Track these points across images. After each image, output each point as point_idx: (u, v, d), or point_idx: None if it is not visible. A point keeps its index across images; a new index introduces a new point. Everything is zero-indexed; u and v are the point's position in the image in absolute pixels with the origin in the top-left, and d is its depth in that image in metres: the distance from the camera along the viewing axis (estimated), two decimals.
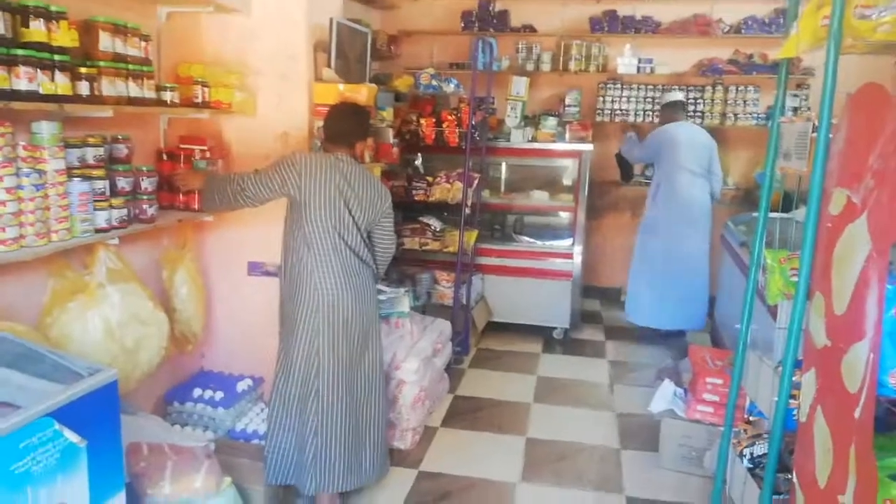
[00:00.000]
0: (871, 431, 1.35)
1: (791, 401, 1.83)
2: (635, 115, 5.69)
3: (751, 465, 2.10)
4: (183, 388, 3.15)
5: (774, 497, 1.94)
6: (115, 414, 1.81)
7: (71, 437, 1.62)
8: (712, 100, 5.58)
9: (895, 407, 1.33)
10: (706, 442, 3.04)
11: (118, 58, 2.39)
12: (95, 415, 1.73)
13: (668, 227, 4.64)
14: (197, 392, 3.09)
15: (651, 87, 5.66)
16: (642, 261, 4.81)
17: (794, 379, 1.81)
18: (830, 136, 1.69)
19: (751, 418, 2.20)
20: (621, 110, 5.70)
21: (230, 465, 2.61)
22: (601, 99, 5.73)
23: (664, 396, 3.28)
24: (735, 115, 5.54)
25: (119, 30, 2.40)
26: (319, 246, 2.63)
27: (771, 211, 2.20)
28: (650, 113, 5.65)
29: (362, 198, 2.71)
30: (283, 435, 2.70)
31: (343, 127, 2.74)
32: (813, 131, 1.76)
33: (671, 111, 4.85)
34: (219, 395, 3.08)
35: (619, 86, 5.69)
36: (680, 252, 4.61)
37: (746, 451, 2.15)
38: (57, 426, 1.58)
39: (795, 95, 5.43)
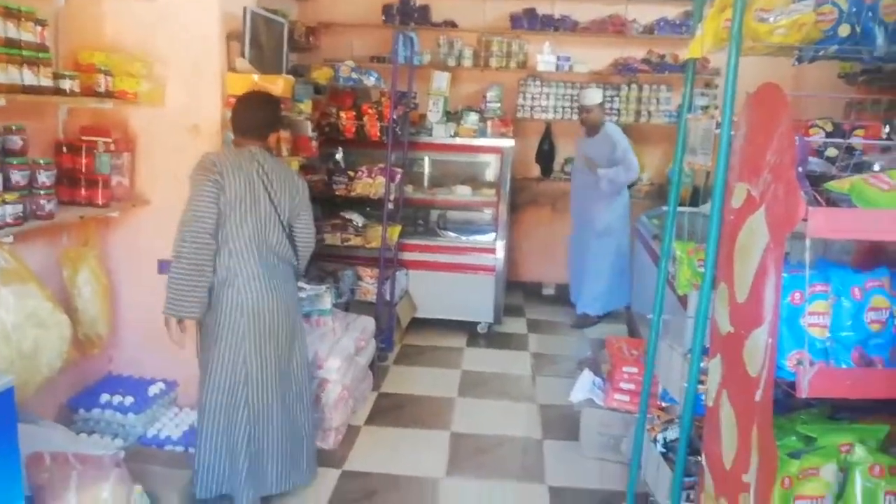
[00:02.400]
0: (771, 412, 1.43)
1: (699, 386, 1.91)
2: (554, 111, 5.81)
3: (664, 450, 2.19)
4: (89, 393, 2.99)
5: (686, 479, 2.03)
6: (11, 424, 1.70)
7: None
8: (627, 98, 5.76)
9: (793, 389, 1.41)
10: (624, 429, 3.14)
11: (10, 43, 2.24)
12: None
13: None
14: (104, 397, 2.94)
15: (570, 84, 5.78)
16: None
17: (702, 365, 1.89)
18: (732, 133, 1.77)
19: (663, 404, 2.29)
20: (541, 107, 5.80)
21: (141, 473, 2.48)
22: (521, 95, 5.81)
23: (583, 386, 3.37)
24: (649, 112, 5.75)
25: (11, 13, 2.24)
26: (242, 248, 2.54)
27: (680, 205, 2.29)
28: (569, 110, 5.77)
29: (281, 190, 2.65)
30: (214, 448, 2.59)
31: (254, 118, 2.65)
32: (717, 128, 1.84)
33: (602, 110, 5.10)
34: (128, 399, 2.94)
35: (538, 83, 5.79)
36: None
37: (660, 437, 2.23)
38: None
39: (704, 94, 5.68)
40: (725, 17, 1.87)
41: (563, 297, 5.75)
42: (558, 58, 5.75)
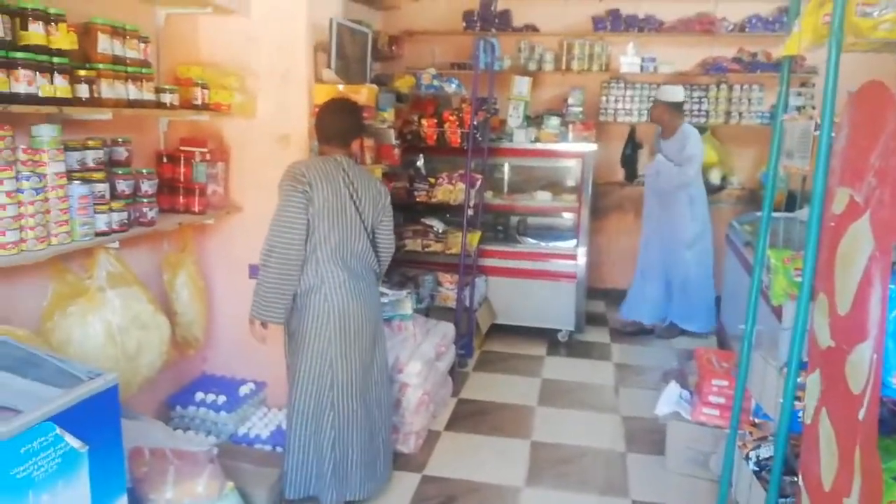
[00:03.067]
0: (876, 432, 1.33)
1: (796, 402, 1.81)
2: (639, 114, 5.66)
3: (757, 468, 2.08)
4: (185, 392, 3.15)
5: (780, 500, 1.92)
6: (115, 418, 1.80)
7: (72, 441, 1.61)
8: (716, 98, 5.55)
9: None
10: (712, 445, 3.01)
11: (117, 60, 2.39)
12: (96, 419, 1.72)
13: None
14: (199, 396, 3.09)
15: (655, 85, 5.62)
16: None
17: (799, 380, 1.79)
18: (833, 134, 1.67)
19: (756, 420, 2.18)
20: (625, 109, 5.67)
21: (232, 469, 2.59)
22: (604, 98, 5.70)
23: (670, 399, 3.25)
24: (739, 113, 5.51)
25: (118, 32, 2.40)
26: (329, 256, 2.61)
27: (775, 210, 2.18)
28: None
29: (365, 198, 2.71)
30: (302, 450, 2.67)
31: (338, 125, 2.71)
32: (816, 130, 1.74)
33: (679, 111, 4.84)
34: (221, 399, 3.07)
35: (622, 85, 5.66)
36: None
37: (752, 454, 2.12)
38: (58, 431, 1.57)
39: (799, 94, 5.39)
40: (825, 13, 1.77)
41: None
42: (643, 59, 5.61)
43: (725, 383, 2.99)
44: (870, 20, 1.68)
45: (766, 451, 2.05)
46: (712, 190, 5.53)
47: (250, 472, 2.68)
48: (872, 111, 1.48)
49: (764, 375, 1.97)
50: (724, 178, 5.55)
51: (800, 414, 1.77)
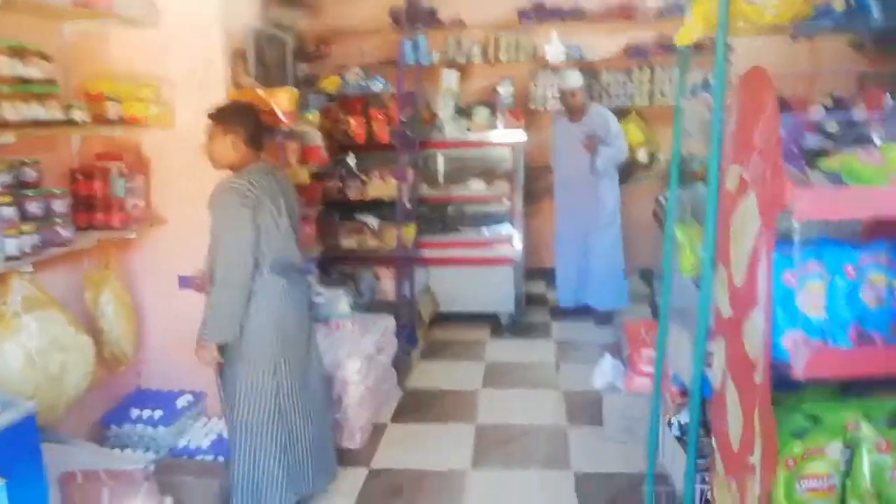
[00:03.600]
0: (769, 394, 1.42)
1: (707, 369, 1.90)
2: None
3: (679, 434, 2.18)
4: (119, 409, 3.09)
5: (701, 461, 2.02)
6: (35, 447, 1.77)
7: None
8: (640, 81, 5.71)
9: (790, 370, 1.40)
10: (645, 413, 3.13)
11: (18, 80, 2.31)
12: (13, 451, 1.68)
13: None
14: (135, 412, 3.03)
15: (581, 72, 5.73)
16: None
17: (709, 349, 1.89)
18: (724, 116, 1.76)
19: (673, 388, 2.28)
20: (554, 97, 5.77)
21: (173, 484, 2.56)
22: (533, 86, 5.79)
23: (604, 371, 3.37)
24: (661, 93, 5.68)
25: (17, 51, 2.32)
26: (268, 266, 2.57)
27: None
28: None
29: (292, 201, 2.70)
30: (252, 463, 2.62)
31: (261, 127, 2.66)
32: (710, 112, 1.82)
33: (585, 92, 4.92)
34: (157, 413, 3.02)
35: (549, 73, 5.76)
36: None
37: (674, 420, 2.23)
38: None
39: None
40: (713, 1, 1.86)
41: None
42: (568, 47, 5.71)
43: (654, 353, 3.11)
44: (756, 6, 1.77)
45: (686, 417, 2.15)
46: (641, 167, 5.71)
47: (191, 484, 2.65)
48: (754, 94, 1.57)
49: (679, 344, 2.07)
50: (651, 156, 5.72)
51: (711, 379, 1.86)
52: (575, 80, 4.77)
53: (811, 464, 1.45)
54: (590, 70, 5.71)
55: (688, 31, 1.96)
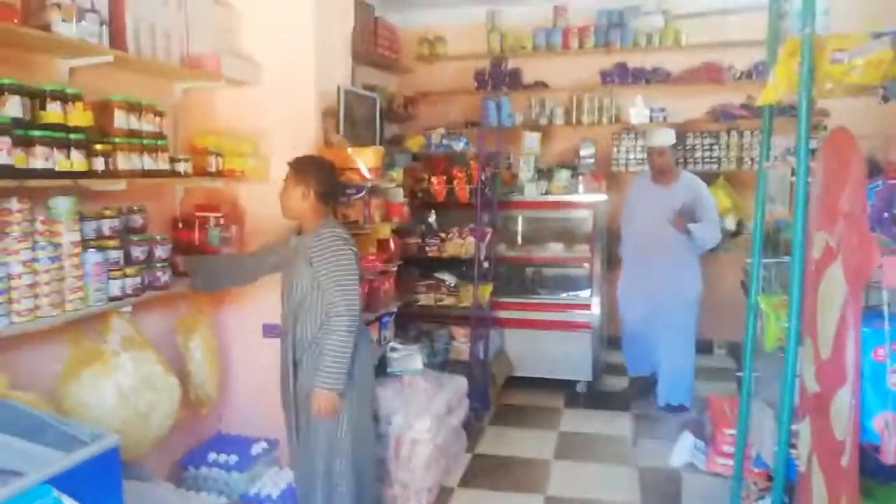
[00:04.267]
0: (857, 480, 1.31)
1: (793, 451, 1.78)
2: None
3: None
4: (199, 451, 3.19)
5: None
6: (117, 480, 1.85)
7: (70, 503, 1.66)
8: (727, 145, 5.58)
9: (879, 454, 1.29)
10: (727, 496, 2.93)
11: (132, 133, 2.53)
12: (96, 481, 1.76)
13: None
14: (212, 456, 3.13)
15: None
16: None
17: (794, 428, 1.77)
18: (810, 180, 1.70)
19: (755, 470, 2.14)
20: (636, 159, 5.73)
21: None
22: (615, 149, 5.78)
23: (684, 449, 3.18)
24: (751, 158, 5.53)
25: (133, 107, 2.55)
26: (359, 318, 2.66)
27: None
28: None
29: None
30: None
31: (335, 184, 2.78)
32: (793, 176, 1.77)
33: (674, 154, 4.58)
34: (233, 458, 3.11)
35: (632, 136, 5.74)
36: None
37: None
38: (55, 493, 1.62)
39: (814, 137, 5.39)
40: (796, 62, 1.83)
41: None
42: (651, 109, 5.70)
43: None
44: (841, 66, 1.73)
45: (769, 502, 2.00)
46: (728, 236, 5.52)
47: None
48: (840, 157, 1.52)
49: (762, 423, 1.95)
50: (739, 224, 5.53)
51: (796, 462, 1.74)
52: (665, 137, 4.42)
53: None
54: (675, 133, 5.66)
55: (770, 91, 1.93)
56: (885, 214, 1.54)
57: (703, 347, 5.84)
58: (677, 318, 4.38)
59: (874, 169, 1.93)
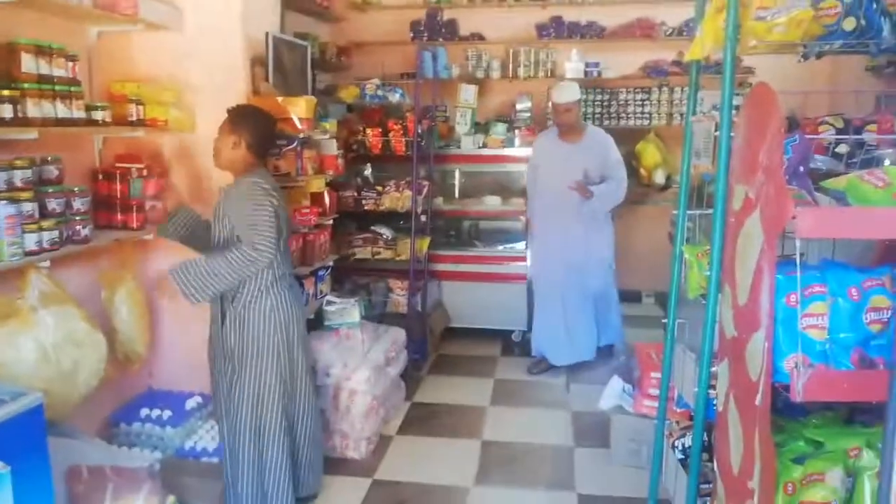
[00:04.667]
0: (769, 418, 1.41)
1: (711, 391, 1.88)
2: (585, 117, 5.77)
3: (682, 456, 2.16)
4: (129, 408, 3.13)
5: (704, 486, 2.00)
6: (40, 438, 1.80)
7: None
8: (658, 101, 5.71)
9: (789, 393, 1.39)
10: (653, 436, 3.10)
11: (43, 79, 2.37)
12: (20, 439, 1.71)
13: None
14: (144, 412, 3.07)
15: (600, 90, 5.76)
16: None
17: (713, 370, 1.87)
18: (732, 134, 1.76)
19: (678, 410, 2.26)
20: None
21: (178, 484, 2.59)
22: (550, 104, 5.80)
23: (613, 393, 3.34)
24: (681, 114, 5.67)
25: (43, 51, 2.38)
26: (282, 269, 2.65)
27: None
28: (599, 116, 5.75)
29: (286, 210, 2.76)
30: (255, 468, 2.64)
31: (268, 137, 2.72)
32: (716, 130, 1.83)
33: (580, 109, 4.37)
34: (166, 413, 3.06)
35: None
36: None
37: (678, 443, 2.20)
38: None
39: (738, 94, 5.56)
40: (723, 18, 1.86)
41: None
42: (587, 64, 5.74)
43: None
44: (764, 23, 1.76)
45: (690, 440, 2.12)
46: (657, 189, 5.69)
47: (195, 485, 2.68)
48: (761, 112, 1.57)
49: (684, 366, 2.05)
50: (668, 178, 5.70)
51: (714, 402, 1.85)
52: (571, 92, 4.14)
53: (811, 490, 1.43)
54: (608, 89, 5.73)
55: (697, 47, 1.97)
56: (801, 168, 1.61)
57: (632, 297, 6.09)
58: (595, 280, 4.32)
59: (793, 124, 2.01)
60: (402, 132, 4.41)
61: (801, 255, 1.43)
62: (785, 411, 1.71)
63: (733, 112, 1.80)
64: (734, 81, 1.75)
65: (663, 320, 2.28)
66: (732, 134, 1.76)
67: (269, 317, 2.61)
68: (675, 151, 5.82)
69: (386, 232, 4.51)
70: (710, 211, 2.37)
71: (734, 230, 1.69)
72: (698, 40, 1.96)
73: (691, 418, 2.41)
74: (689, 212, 2.22)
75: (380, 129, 4.50)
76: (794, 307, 1.43)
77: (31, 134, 2.29)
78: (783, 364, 1.44)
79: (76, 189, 2.57)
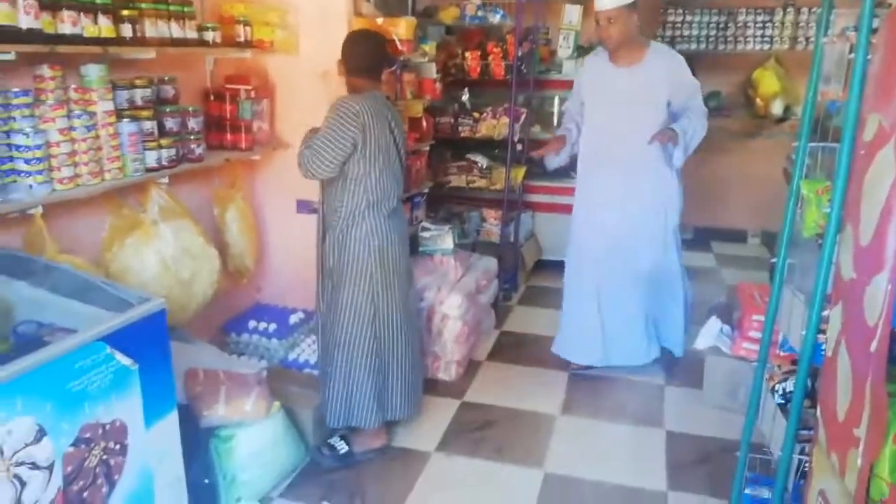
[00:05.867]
0: (885, 365, 1.32)
1: (820, 336, 1.79)
2: (698, 42, 5.40)
3: (782, 401, 2.08)
4: (239, 319, 3.35)
5: (803, 432, 1.93)
6: (164, 339, 1.96)
7: (122, 359, 1.77)
8: (782, 23, 5.24)
9: None
10: (750, 380, 3.00)
11: (159, 0, 2.46)
12: (146, 340, 1.87)
13: None
14: (252, 324, 3.28)
15: (716, 11, 5.34)
16: None
17: (825, 314, 1.77)
18: (869, 57, 1.59)
19: (781, 353, 2.16)
20: (682, 36, 5.43)
21: (282, 391, 2.77)
22: (661, 26, 5.46)
23: (710, 333, 3.23)
24: (807, 38, 5.19)
25: None
26: (371, 194, 2.63)
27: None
28: (714, 40, 5.36)
29: (400, 135, 2.74)
30: (344, 382, 2.74)
31: (372, 55, 2.67)
32: (851, 52, 1.66)
33: (634, 19, 3.08)
34: (272, 326, 3.25)
35: (680, 11, 5.40)
36: None
37: (779, 387, 2.12)
38: (108, 350, 1.73)
39: (876, 16, 5.01)
40: None
41: (699, 240, 5.50)
42: None
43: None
44: None
45: (791, 385, 2.04)
46: (774, 122, 5.31)
47: (297, 393, 2.87)
48: None
49: (791, 309, 1.95)
50: (787, 109, 5.29)
51: (823, 347, 1.75)
52: None
53: None
54: (726, 8, 5.31)
55: None
56: None
57: (737, 236, 5.82)
58: (652, 258, 3.32)
59: None
60: (501, 55, 4.29)
61: None
62: None
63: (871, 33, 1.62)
64: None
65: (772, 260, 2.15)
66: (869, 57, 1.59)
67: (363, 241, 2.66)
68: (796, 80, 5.38)
69: (481, 160, 4.48)
70: (835, 144, 2.19)
71: (863, 163, 1.55)
72: None
73: (794, 363, 2.32)
74: (811, 144, 2.05)
75: (479, 52, 4.39)
76: None
77: (150, 53, 2.40)
78: None
79: (191, 109, 2.69)
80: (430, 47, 3.55)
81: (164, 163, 2.54)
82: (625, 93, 3.14)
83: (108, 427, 1.74)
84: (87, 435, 1.69)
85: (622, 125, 3.17)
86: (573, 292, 3.50)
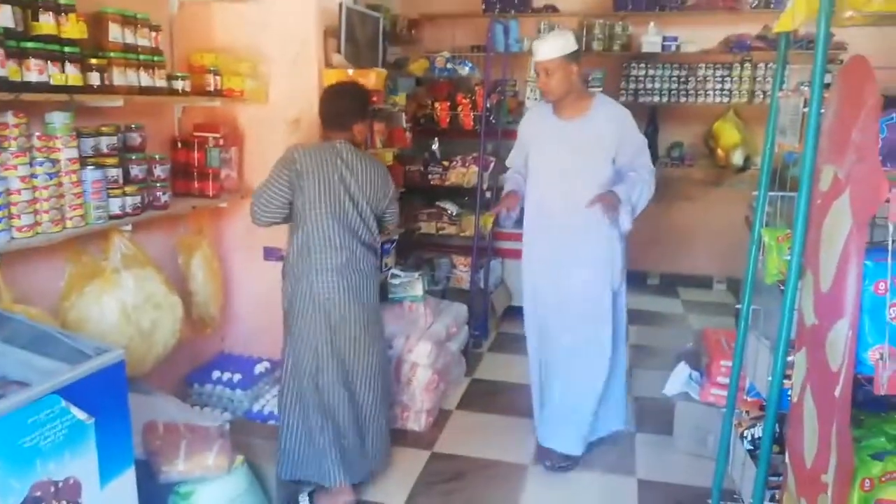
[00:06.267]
0: (849, 410, 1.34)
1: (786, 381, 1.80)
2: (660, 94, 5.59)
3: (751, 447, 2.09)
4: (203, 369, 3.26)
5: (773, 478, 1.93)
6: (122, 392, 1.88)
7: (77, 413, 1.70)
8: (740, 77, 5.45)
9: (870, 385, 1.31)
10: (719, 425, 3.01)
11: (128, 48, 2.47)
12: (103, 393, 1.80)
13: None
14: (216, 374, 3.20)
15: (677, 65, 5.55)
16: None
17: (789, 359, 1.79)
18: (822, 111, 1.66)
19: (748, 399, 2.18)
20: (645, 89, 5.61)
21: (245, 444, 2.68)
22: (625, 79, 5.64)
23: (679, 379, 3.26)
24: (764, 92, 5.40)
25: (128, 20, 2.47)
26: (320, 246, 2.59)
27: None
28: (676, 92, 5.55)
29: (365, 184, 2.65)
30: (291, 431, 2.69)
31: (337, 109, 2.70)
32: (805, 106, 1.72)
33: (579, 68, 2.96)
34: (237, 377, 3.18)
35: (643, 65, 5.60)
36: None
37: (748, 433, 2.13)
38: (63, 403, 1.66)
39: (828, 71, 5.25)
40: None
41: (666, 286, 5.56)
42: (664, 38, 5.54)
43: None
44: None
45: (760, 431, 2.05)
46: (735, 171, 5.47)
47: (261, 446, 2.77)
48: (855, 87, 1.47)
49: (757, 354, 1.97)
50: (747, 159, 5.47)
51: (789, 392, 1.77)
52: (553, 46, 2.83)
53: (890, 488, 1.35)
54: (686, 64, 5.51)
55: (788, 17, 1.86)
56: None
57: (703, 283, 5.92)
58: (590, 325, 3.03)
59: (889, 103, 1.87)
60: (470, 106, 4.38)
61: (894, 241, 1.34)
62: (865, 405, 1.62)
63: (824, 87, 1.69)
64: (827, 52, 1.64)
65: (737, 306, 2.19)
66: (822, 110, 1.65)
67: (306, 295, 2.62)
68: (755, 131, 5.57)
69: (451, 207, 4.51)
70: (793, 193, 2.26)
71: (820, 212, 1.60)
72: (789, 11, 1.84)
73: (762, 408, 2.33)
74: (770, 193, 2.11)
75: (448, 103, 4.48)
76: (883, 295, 1.34)
77: (117, 101, 2.39)
78: (867, 355, 1.36)
79: (157, 157, 2.67)
80: (400, 98, 3.61)
81: (129, 210, 2.50)
82: (567, 147, 2.93)
83: (60, 485, 1.66)
84: (38, 493, 1.60)
85: (565, 182, 2.93)
86: (529, 357, 3.29)
